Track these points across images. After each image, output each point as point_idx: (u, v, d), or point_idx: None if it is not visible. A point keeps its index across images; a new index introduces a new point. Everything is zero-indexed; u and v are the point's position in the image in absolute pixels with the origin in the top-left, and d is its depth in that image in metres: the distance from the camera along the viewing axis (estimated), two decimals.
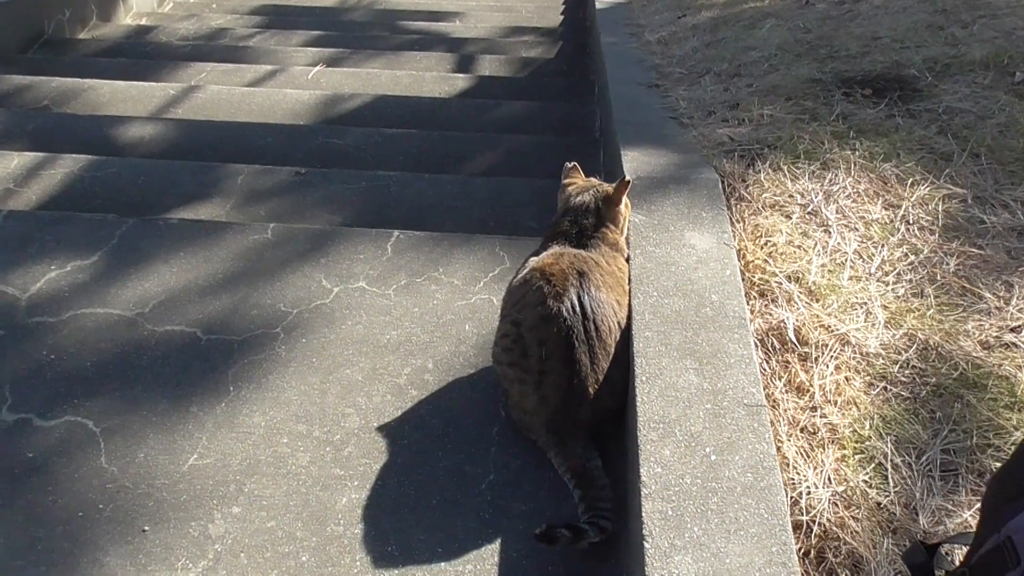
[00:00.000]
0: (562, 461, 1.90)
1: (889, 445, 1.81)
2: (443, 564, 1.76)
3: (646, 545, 1.52)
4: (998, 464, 1.78)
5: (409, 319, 2.32)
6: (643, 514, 1.57)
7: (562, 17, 6.88)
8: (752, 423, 1.74)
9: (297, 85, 4.61)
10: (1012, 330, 2.07)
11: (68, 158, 3.27)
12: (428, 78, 4.73)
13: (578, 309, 1.90)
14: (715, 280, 2.08)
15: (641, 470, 1.65)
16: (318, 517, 1.84)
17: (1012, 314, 2.10)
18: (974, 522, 1.65)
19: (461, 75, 4.81)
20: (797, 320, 2.04)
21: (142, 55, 5.20)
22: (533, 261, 2.04)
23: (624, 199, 2.14)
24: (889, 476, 1.75)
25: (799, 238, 2.29)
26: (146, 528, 1.82)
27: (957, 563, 1.56)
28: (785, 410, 1.86)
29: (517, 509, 1.88)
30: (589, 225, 2.09)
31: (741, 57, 3.55)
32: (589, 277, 1.95)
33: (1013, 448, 1.80)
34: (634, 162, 2.55)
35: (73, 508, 1.86)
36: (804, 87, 3.08)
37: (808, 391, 1.89)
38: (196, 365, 2.18)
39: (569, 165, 2.28)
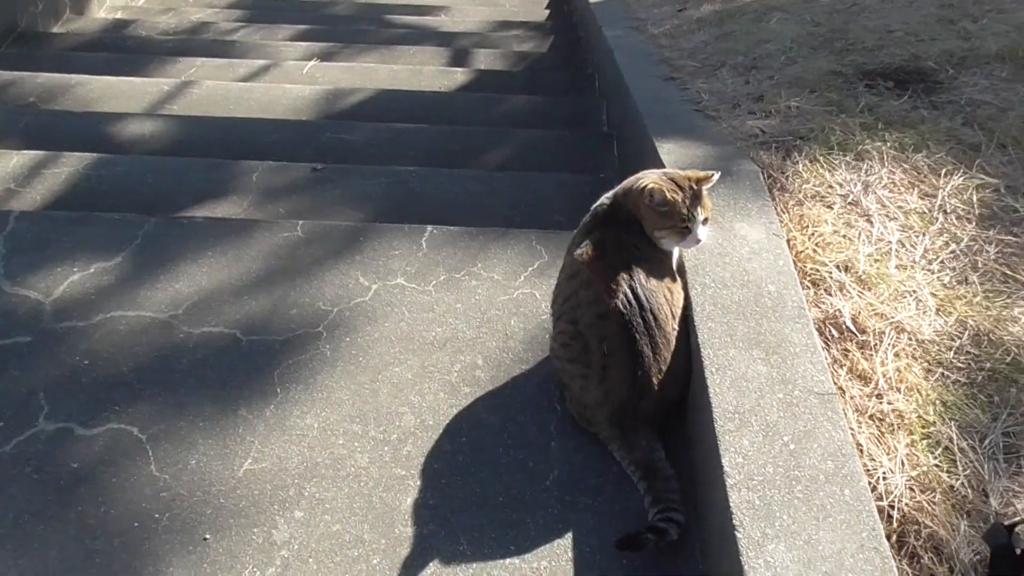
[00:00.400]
0: (626, 454, 1.89)
1: (953, 430, 1.81)
2: (517, 561, 1.74)
3: (738, 535, 1.51)
4: None
5: (453, 315, 2.28)
6: (731, 505, 1.55)
7: (547, 11, 6.86)
8: (826, 411, 1.73)
9: (293, 80, 4.54)
10: None
11: (72, 156, 3.18)
12: (426, 72, 4.68)
13: (633, 301, 1.88)
14: (770, 270, 2.08)
15: (723, 460, 1.63)
16: (384, 519, 1.80)
17: None
18: None
19: (459, 69, 4.77)
20: (852, 309, 2.04)
21: (124, 50, 5.09)
22: (577, 253, 2.01)
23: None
24: (957, 460, 1.75)
25: (844, 228, 2.29)
26: (207, 536, 1.77)
27: None
28: (851, 398, 1.86)
29: (584, 503, 1.86)
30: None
31: (756, 50, 3.56)
32: (637, 267, 1.93)
33: None
34: (671, 155, 2.54)
35: (128, 518, 1.80)
36: (826, 79, 3.09)
37: (871, 379, 1.89)
38: (239, 367, 2.13)
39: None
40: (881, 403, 1.84)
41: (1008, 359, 1.96)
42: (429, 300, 2.33)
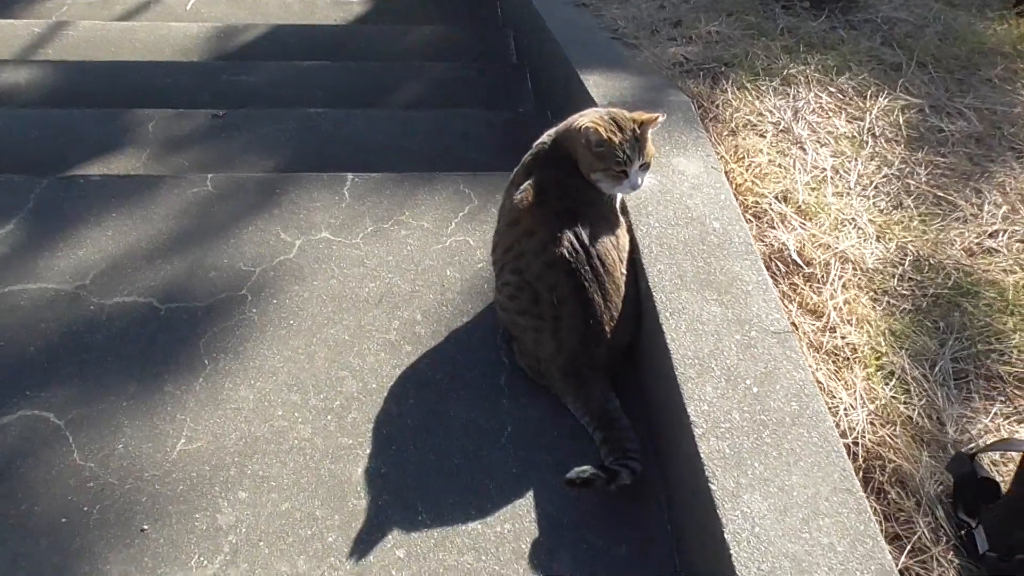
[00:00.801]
0: (581, 405, 1.83)
1: (905, 359, 1.82)
2: (478, 525, 1.68)
3: (712, 488, 1.47)
4: (1003, 368, 1.82)
5: (385, 269, 2.17)
6: (701, 455, 1.52)
7: None
8: (784, 350, 1.71)
9: (177, 17, 4.22)
10: (990, 235, 2.12)
11: None
12: (320, 3, 4.43)
13: (580, 248, 1.81)
14: (712, 206, 2.03)
15: (688, 409, 1.59)
16: (336, 493, 1.71)
17: (986, 220, 2.15)
18: (992, 427, 1.69)
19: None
20: (796, 241, 2.02)
21: None
22: (517, 199, 1.91)
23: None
24: (911, 390, 1.77)
25: (778, 157, 2.26)
26: (145, 527, 1.64)
27: (992, 469, 1.60)
28: (805, 333, 1.84)
29: (543, 460, 1.80)
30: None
31: None
32: (581, 211, 1.85)
33: (1014, 351, 1.86)
34: (598, 87, 2.44)
35: (53, 514, 1.66)
36: (741, 2, 3.02)
37: (822, 313, 1.88)
38: (160, 339, 1.97)
39: None
40: (835, 337, 1.84)
41: (949, 283, 1.98)
42: (359, 254, 2.20)
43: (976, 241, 2.09)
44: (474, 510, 1.70)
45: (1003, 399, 1.78)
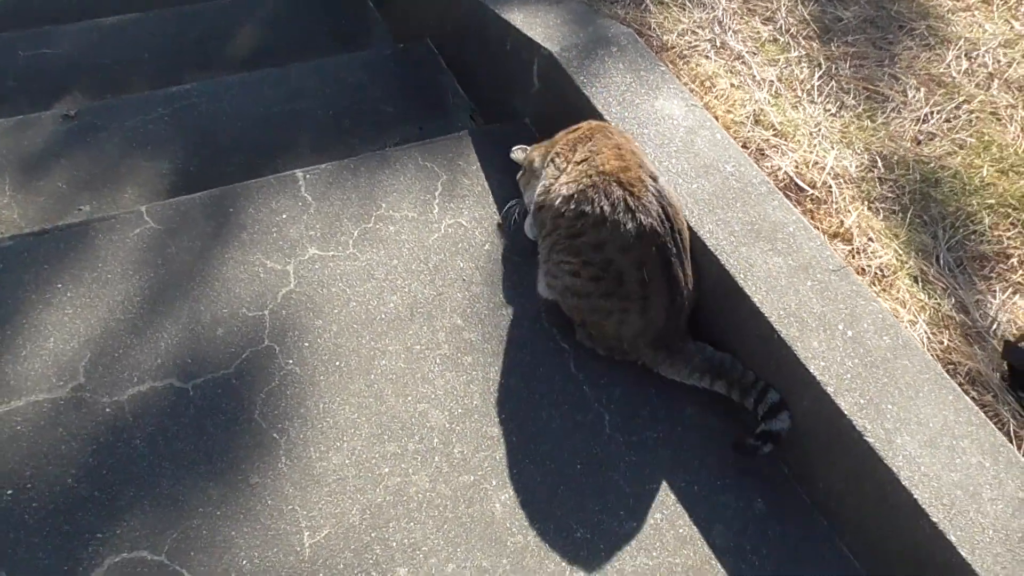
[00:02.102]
0: (683, 367, 1.86)
1: (918, 260, 2.03)
2: (632, 523, 1.73)
3: (869, 440, 1.61)
4: (985, 248, 2.10)
5: (397, 276, 2.02)
6: (845, 411, 1.64)
7: None
8: (850, 287, 1.85)
9: None
10: (923, 121, 2.35)
11: None
12: None
13: (664, 218, 1.79)
14: (717, 148, 2.07)
15: (810, 369, 1.70)
16: (490, 536, 1.66)
17: (914, 106, 2.38)
18: (1003, 304, 1.96)
19: None
20: (792, 166, 2.13)
21: None
22: (590, 163, 1.85)
23: None
24: (935, 288, 1.99)
25: (730, 77, 2.32)
26: None
27: None
28: (848, 262, 1.99)
29: (651, 438, 1.86)
30: None
31: None
32: (656, 176, 1.84)
33: (988, 229, 2.13)
34: (532, 29, 2.33)
35: None
36: None
37: (848, 236, 2.03)
38: (208, 424, 1.73)
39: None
40: (867, 257, 2.00)
41: (917, 177, 2.20)
42: (360, 265, 2.02)
43: (916, 129, 2.32)
44: (621, 510, 1.73)
45: (995, 276, 2.06)
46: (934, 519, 1.52)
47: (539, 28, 2.34)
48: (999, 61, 2.50)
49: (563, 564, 1.65)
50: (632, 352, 1.88)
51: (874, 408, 1.65)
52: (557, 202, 1.86)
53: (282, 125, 2.54)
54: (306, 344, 1.87)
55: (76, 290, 1.88)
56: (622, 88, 2.17)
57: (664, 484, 1.78)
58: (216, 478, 1.66)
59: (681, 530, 1.72)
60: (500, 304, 2.01)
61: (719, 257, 1.85)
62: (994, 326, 1.96)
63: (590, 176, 1.82)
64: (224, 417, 1.74)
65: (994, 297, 2.01)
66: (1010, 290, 2.04)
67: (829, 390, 1.67)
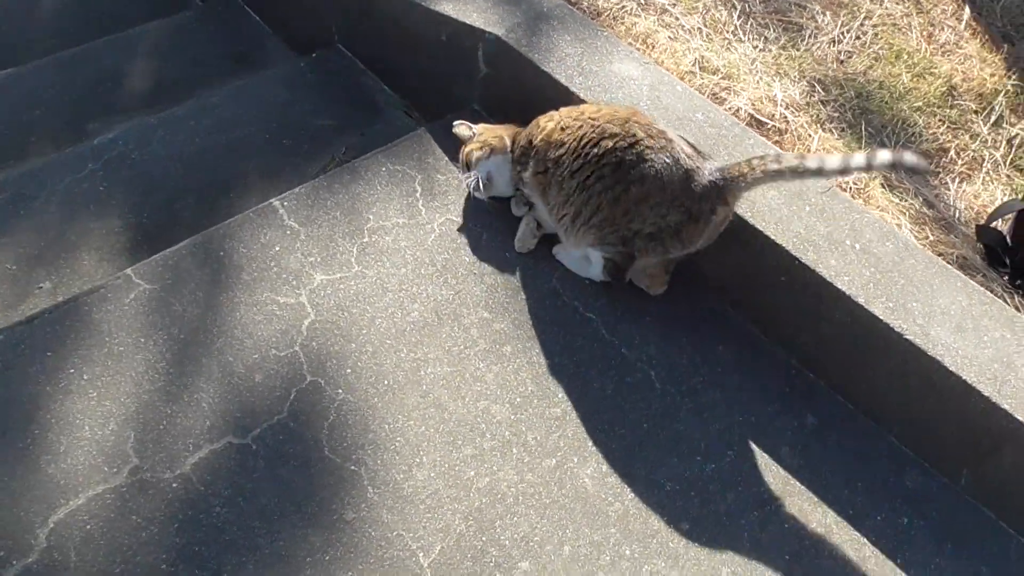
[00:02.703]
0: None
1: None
2: (712, 466, 1.81)
3: (909, 338, 1.76)
4: (926, 146, 2.30)
5: (411, 284, 2.00)
6: (880, 317, 1.78)
7: None
8: (842, 204, 2.00)
9: None
10: (837, 42, 2.53)
11: None
12: None
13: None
14: (682, 100, 2.16)
15: (837, 285, 1.83)
16: (588, 511, 1.71)
17: (825, 29, 2.56)
18: (959, 193, 2.16)
19: None
20: (744, 104, 2.25)
21: None
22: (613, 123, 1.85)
23: None
24: (900, 189, 2.16)
25: (665, 31, 2.41)
26: None
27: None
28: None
29: (699, 384, 1.94)
30: None
31: None
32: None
33: (922, 130, 2.33)
34: (468, 16, 2.32)
35: None
36: None
37: None
38: (282, 471, 1.68)
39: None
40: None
41: (852, 94, 2.37)
42: (370, 281, 1.99)
43: (835, 50, 2.49)
44: (697, 456, 1.82)
45: (942, 169, 2.26)
46: (986, 394, 1.68)
47: (475, 14, 2.34)
48: None
49: (666, 519, 1.71)
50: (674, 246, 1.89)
51: (903, 308, 1.80)
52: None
53: (222, 157, 2.44)
54: (348, 370, 1.83)
55: (92, 371, 1.76)
56: (576, 59, 2.22)
57: (724, 423, 1.87)
58: (311, 524, 1.62)
59: (755, 460, 1.82)
60: (516, 288, 2.04)
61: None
62: (956, 214, 2.15)
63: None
64: (296, 462, 1.69)
65: (948, 189, 2.21)
66: (958, 179, 2.24)
67: (860, 301, 1.80)
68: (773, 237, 1.89)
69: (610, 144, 1.81)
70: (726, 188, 1.78)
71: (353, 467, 1.70)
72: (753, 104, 2.25)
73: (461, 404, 1.82)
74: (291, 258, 2.00)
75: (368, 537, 1.62)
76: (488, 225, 2.14)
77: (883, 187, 2.14)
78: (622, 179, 1.80)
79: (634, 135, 1.80)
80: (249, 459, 1.68)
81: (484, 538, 1.65)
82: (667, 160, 1.77)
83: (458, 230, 2.12)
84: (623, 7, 2.46)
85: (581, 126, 1.88)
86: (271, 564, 1.56)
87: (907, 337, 1.75)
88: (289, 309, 1.91)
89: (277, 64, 2.95)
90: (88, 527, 1.56)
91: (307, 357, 1.84)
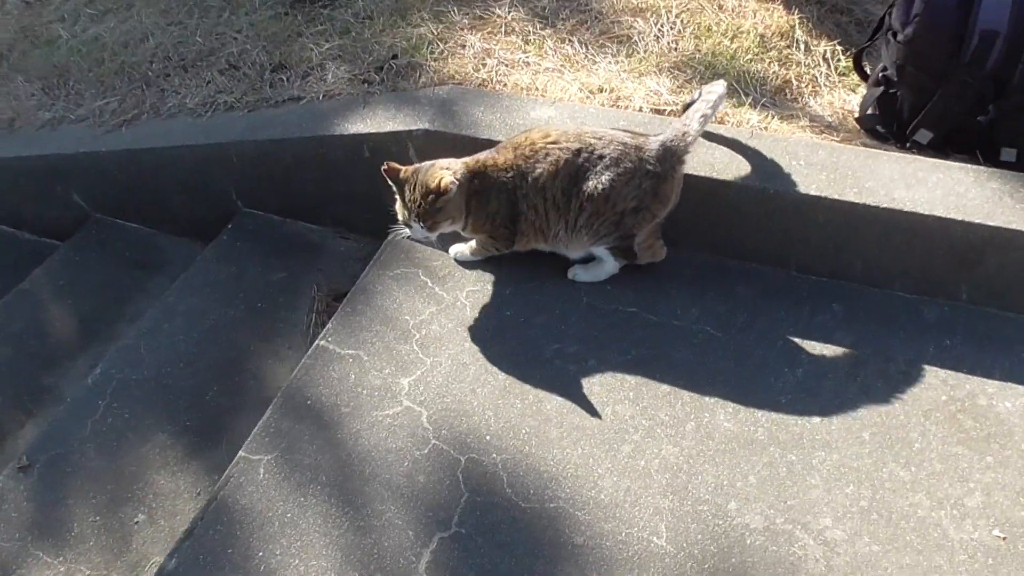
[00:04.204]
0: None
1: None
2: (801, 395, 2.13)
3: (883, 206, 2.19)
4: (778, 82, 2.81)
5: (483, 350, 2.19)
6: (855, 201, 2.20)
7: None
8: (766, 141, 2.42)
9: None
10: (661, 37, 3.01)
11: None
12: None
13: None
14: (601, 117, 2.50)
15: (812, 194, 2.23)
16: (746, 450, 1.97)
17: (646, 31, 3.02)
18: (823, 103, 2.67)
19: None
20: (643, 103, 2.65)
21: None
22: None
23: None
24: (789, 119, 2.64)
25: (541, 75, 2.77)
26: None
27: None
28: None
29: (742, 321, 2.26)
30: None
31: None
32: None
33: (766, 72, 2.84)
34: (384, 127, 2.56)
35: None
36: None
37: (723, 120, 2.59)
38: (503, 538, 1.80)
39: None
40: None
41: (702, 67, 2.83)
42: (449, 366, 2.15)
43: (664, 44, 2.96)
44: (781, 385, 2.12)
45: (799, 94, 2.77)
46: (957, 218, 2.12)
47: (390, 124, 2.58)
48: None
49: (801, 420, 2.00)
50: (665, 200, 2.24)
51: (864, 189, 2.23)
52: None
53: (214, 342, 2.49)
54: (488, 436, 1.99)
55: (280, 545, 1.78)
56: (500, 119, 2.51)
57: (781, 337, 2.20)
58: (558, 560, 1.75)
59: (823, 352, 2.16)
60: (563, 315, 2.27)
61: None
62: (833, 119, 2.65)
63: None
64: (504, 525, 1.81)
65: (811, 103, 2.71)
66: (813, 95, 2.75)
67: (834, 196, 2.21)
68: (738, 181, 2.27)
69: (561, 157, 2.16)
70: (675, 149, 2.18)
71: (551, 504, 1.85)
72: (647, 101, 2.64)
73: (595, 421, 2.01)
74: (369, 378, 2.12)
75: (604, 548, 1.77)
76: (503, 279, 2.35)
77: (780, 119, 2.60)
78: (582, 178, 2.15)
79: (579, 143, 2.17)
80: (466, 542, 1.78)
81: (688, 501, 1.85)
82: (615, 143, 2.15)
83: (485, 300, 2.32)
84: (496, 70, 2.79)
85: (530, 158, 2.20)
86: None
87: (882, 206, 2.17)
88: (401, 416, 2.03)
89: (179, 256, 2.98)
90: None
91: (447, 444, 1.97)
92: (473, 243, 2.38)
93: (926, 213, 2.16)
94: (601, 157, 2.15)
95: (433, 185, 2.10)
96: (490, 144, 2.37)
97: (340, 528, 1.83)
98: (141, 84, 3.19)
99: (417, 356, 2.17)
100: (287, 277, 2.68)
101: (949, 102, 2.39)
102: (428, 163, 2.19)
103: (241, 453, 1.96)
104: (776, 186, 2.26)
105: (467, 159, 2.24)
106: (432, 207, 2.13)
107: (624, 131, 2.22)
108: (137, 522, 2.05)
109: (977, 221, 2.13)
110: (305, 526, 1.83)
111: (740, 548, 1.78)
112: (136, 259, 3.02)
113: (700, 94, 2.29)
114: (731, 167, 2.31)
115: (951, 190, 2.20)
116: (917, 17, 2.37)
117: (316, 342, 2.21)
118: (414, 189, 2.14)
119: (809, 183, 2.24)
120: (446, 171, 2.14)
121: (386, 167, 2.17)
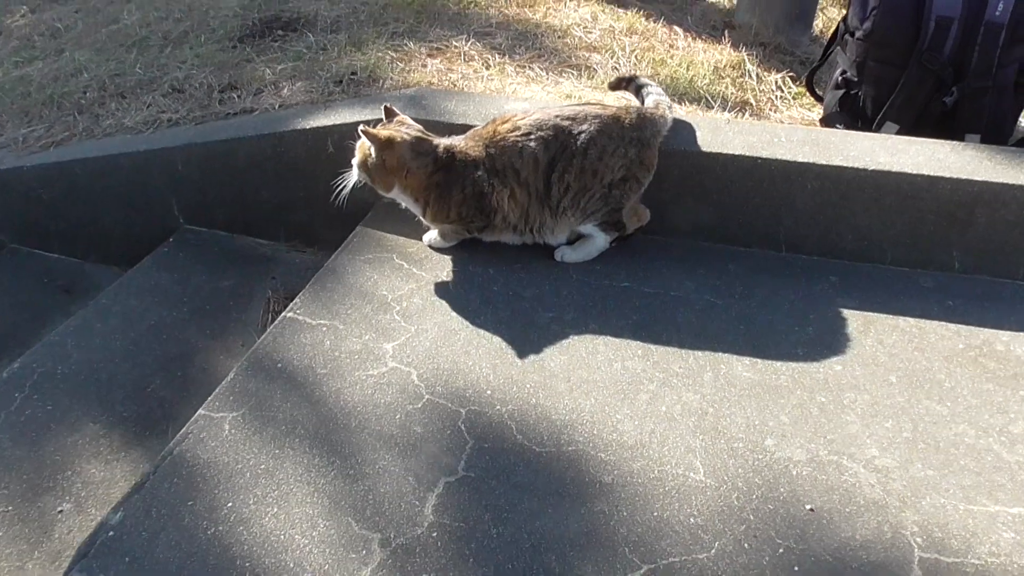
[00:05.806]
0: None
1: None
2: (815, 350, 2.02)
3: (871, 168, 2.17)
4: (736, 101, 2.86)
5: (472, 319, 2.00)
6: (844, 166, 2.18)
7: None
8: (741, 126, 2.41)
9: None
10: (618, 68, 3.05)
11: None
12: None
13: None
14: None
15: (800, 161, 2.20)
16: (768, 397, 1.82)
17: (603, 62, 3.07)
18: (781, 116, 2.72)
19: None
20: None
21: None
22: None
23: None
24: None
25: (507, 78, 2.74)
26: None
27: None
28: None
29: (762, 294, 2.16)
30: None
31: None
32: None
33: (725, 93, 2.89)
34: (361, 115, 2.45)
35: None
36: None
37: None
38: (520, 479, 1.57)
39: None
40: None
41: (659, 80, 2.86)
42: (436, 332, 1.95)
43: (615, 72, 3.00)
44: (791, 342, 2.01)
45: (760, 111, 2.81)
46: (946, 175, 2.13)
47: (356, 116, 2.46)
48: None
49: (822, 367, 1.87)
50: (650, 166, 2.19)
51: (848, 156, 2.21)
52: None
53: (157, 339, 2.22)
54: (488, 391, 1.77)
55: (254, 494, 1.50)
56: (468, 110, 2.43)
57: (788, 302, 2.10)
58: (581, 500, 1.52)
59: (827, 310, 2.06)
60: (555, 288, 2.11)
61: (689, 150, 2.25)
62: (795, 119, 2.68)
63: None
64: (520, 467, 1.58)
65: (771, 114, 2.74)
66: (772, 109, 2.79)
67: (823, 162, 2.18)
68: (725, 152, 2.22)
69: (536, 150, 2.09)
70: (652, 117, 2.17)
71: (570, 447, 1.64)
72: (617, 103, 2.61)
73: (605, 374, 1.83)
74: (347, 344, 1.90)
75: (637, 484, 1.56)
76: (485, 261, 2.21)
77: (749, 122, 2.60)
78: (564, 160, 2.09)
79: (552, 130, 2.10)
80: (478, 484, 1.54)
81: (721, 439, 1.68)
82: (590, 118, 2.10)
83: (467, 270, 2.15)
84: (461, 82, 2.74)
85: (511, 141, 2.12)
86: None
87: (871, 168, 2.15)
88: (389, 375, 1.81)
89: (108, 282, 2.71)
90: None
91: (443, 399, 1.76)
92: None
93: (915, 173, 2.14)
94: (579, 135, 2.08)
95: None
96: (465, 129, 2.27)
97: (326, 477, 1.56)
98: (73, 112, 2.99)
99: (400, 324, 1.96)
100: (238, 283, 2.45)
101: (912, 90, 2.44)
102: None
103: (201, 411, 1.68)
104: (764, 154, 2.21)
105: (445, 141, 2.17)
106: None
107: (594, 104, 2.18)
108: (61, 511, 1.71)
109: (965, 177, 2.11)
110: (283, 476, 1.55)
111: (787, 479, 1.59)
112: (62, 284, 2.73)
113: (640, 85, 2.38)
114: (716, 142, 2.27)
115: (932, 156, 2.20)
116: (875, 10, 2.45)
117: (283, 314, 1.97)
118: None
119: (795, 153, 2.21)
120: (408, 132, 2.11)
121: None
